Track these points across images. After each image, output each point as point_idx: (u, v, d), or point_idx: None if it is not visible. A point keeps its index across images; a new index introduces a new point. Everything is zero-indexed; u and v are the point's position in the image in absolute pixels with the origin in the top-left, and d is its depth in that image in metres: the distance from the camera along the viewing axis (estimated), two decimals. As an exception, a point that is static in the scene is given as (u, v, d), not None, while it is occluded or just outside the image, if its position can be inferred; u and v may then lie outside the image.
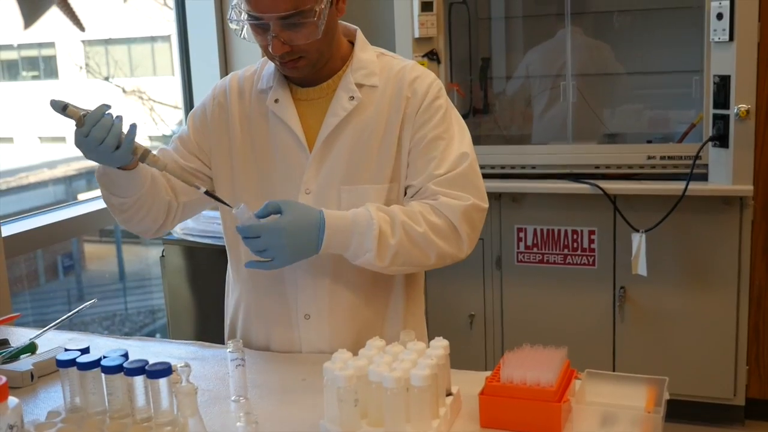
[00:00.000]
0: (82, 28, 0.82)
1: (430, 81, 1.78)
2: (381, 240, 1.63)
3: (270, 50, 1.64)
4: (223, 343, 1.88)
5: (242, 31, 1.68)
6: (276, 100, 1.77)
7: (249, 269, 1.70)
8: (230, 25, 1.69)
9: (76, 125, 1.55)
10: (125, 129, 1.57)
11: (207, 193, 1.67)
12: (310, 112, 1.77)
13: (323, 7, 1.61)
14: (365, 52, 1.79)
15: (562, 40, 3.89)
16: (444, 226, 1.69)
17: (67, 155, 5.77)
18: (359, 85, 1.75)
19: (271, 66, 1.81)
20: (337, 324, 1.76)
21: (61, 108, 1.55)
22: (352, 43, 1.81)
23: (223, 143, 1.82)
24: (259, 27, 1.62)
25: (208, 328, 3.29)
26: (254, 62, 3.81)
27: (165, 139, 5.48)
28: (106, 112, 1.56)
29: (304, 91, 1.78)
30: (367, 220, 1.63)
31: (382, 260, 1.65)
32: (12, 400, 1.19)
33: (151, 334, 5.32)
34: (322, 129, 1.74)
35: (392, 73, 1.78)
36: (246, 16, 1.64)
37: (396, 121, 1.74)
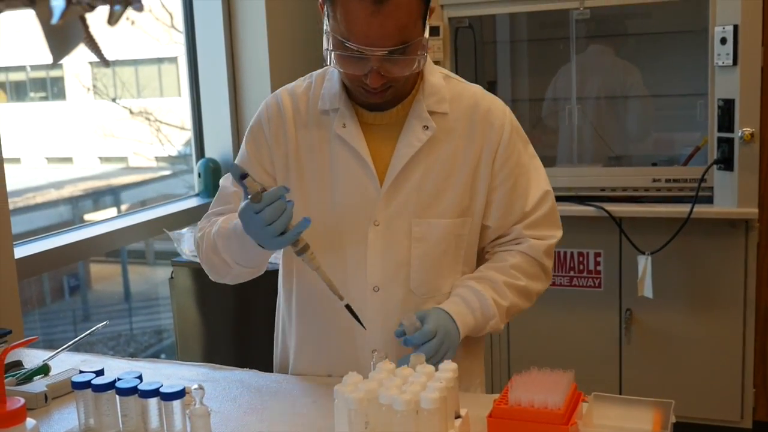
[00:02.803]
0: (107, 64, 0.85)
1: (503, 110, 1.74)
2: (498, 306, 1.68)
3: (367, 82, 1.56)
4: (233, 365, 1.88)
5: (330, 58, 1.56)
6: (344, 125, 1.68)
7: (313, 305, 1.70)
8: (325, 51, 1.57)
9: (251, 199, 1.49)
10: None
11: (347, 306, 1.60)
12: (378, 138, 1.69)
13: (425, 38, 1.56)
14: (433, 75, 1.71)
15: (591, 59, 3.93)
16: (536, 269, 1.76)
17: (73, 176, 5.80)
18: (431, 112, 1.68)
19: (333, 86, 1.71)
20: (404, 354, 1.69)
21: (240, 176, 1.49)
22: None
23: (284, 164, 1.74)
24: (356, 58, 1.53)
25: (217, 349, 3.30)
26: (263, 84, 3.83)
27: (171, 159, 5.51)
28: (283, 195, 1.50)
29: (372, 115, 1.69)
30: (475, 294, 1.67)
31: (503, 322, 1.71)
32: (30, 422, 1.21)
33: (156, 355, 5.33)
34: (394, 160, 1.67)
35: (463, 100, 1.72)
36: (333, 44, 1.54)
37: (471, 154, 1.70)
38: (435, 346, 1.54)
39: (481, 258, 1.82)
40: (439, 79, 1.72)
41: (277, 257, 1.87)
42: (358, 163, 1.68)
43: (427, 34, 1.56)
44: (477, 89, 1.77)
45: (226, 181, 1.82)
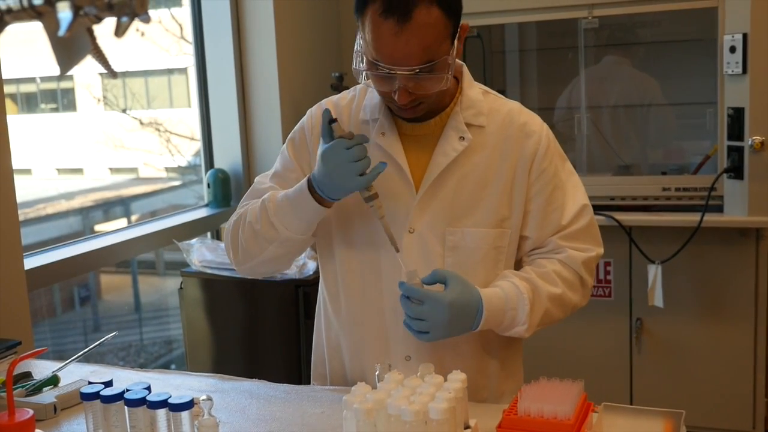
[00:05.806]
0: (114, 75, 0.86)
1: (540, 124, 1.77)
2: (532, 314, 1.67)
3: (395, 98, 1.61)
4: (242, 376, 1.89)
5: (362, 76, 1.63)
6: (383, 134, 1.73)
7: (349, 310, 1.72)
8: (354, 70, 1.64)
9: (343, 137, 1.60)
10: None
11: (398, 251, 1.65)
12: (415, 148, 1.74)
13: (452, 56, 1.59)
14: (472, 89, 1.76)
15: (603, 68, 3.93)
16: (574, 280, 1.74)
17: (83, 187, 5.82)
18: (468, 125, 1.72)
19: (374, 97, 1.77)
20: (439, 364, 1.65)
21: (329, 120, 1.61)
22: (456, 78, 1.75)
23: None
24: (385, 77, 1.59)
25: (226, 359, 3.30)
26: (272, 95, 3.85)
27: (181, 169, 5.52)
28: (366, 141, 1.61)
29: (410, 126, 1.74)
30: (517, 296, 1.66)
31: (530, 331, 1.69)
32: (38, 433, 1.21)
33: (166, 366, 5.33)
34: (430, 168, 1.71)
35: (500, 114, 1.75)
36: (365, 64, 1.60)
37: (506, 166, 1.72)
38: (418, 313, 1.58)
39: (518, 268, 1.82)
40: (478, 93, 1.76)
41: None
42: (395, 171, 1.71)
43: (454, 53, 1.60)
44: (514, 105, 1.80)
45: (263, 178, 1.87)
